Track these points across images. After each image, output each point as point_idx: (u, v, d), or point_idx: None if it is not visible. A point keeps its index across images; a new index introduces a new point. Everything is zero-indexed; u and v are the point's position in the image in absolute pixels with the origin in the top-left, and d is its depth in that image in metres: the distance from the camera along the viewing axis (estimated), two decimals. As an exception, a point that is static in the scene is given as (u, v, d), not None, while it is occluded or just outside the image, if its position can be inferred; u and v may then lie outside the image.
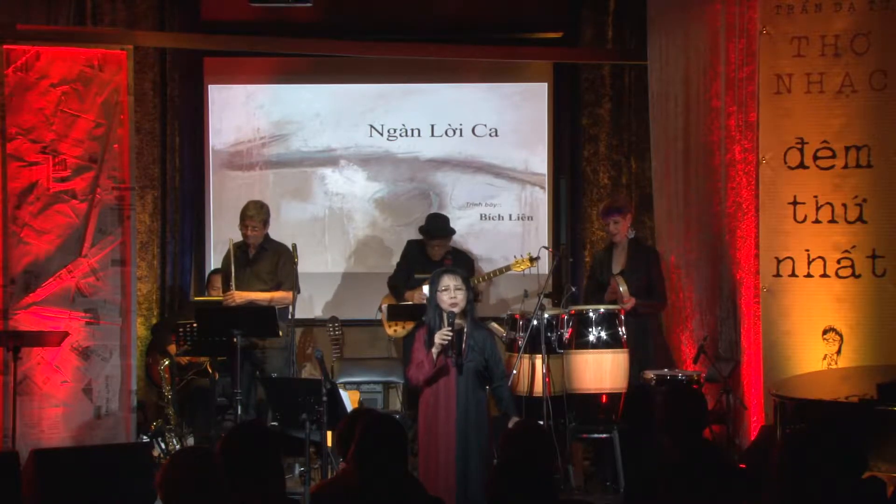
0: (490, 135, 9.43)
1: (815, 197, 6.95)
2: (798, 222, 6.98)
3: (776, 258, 7.03)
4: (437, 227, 8.25)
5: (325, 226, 9.46)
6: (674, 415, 4.50)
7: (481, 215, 9.42)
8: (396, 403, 8.76)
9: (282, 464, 4.23)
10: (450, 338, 5.70)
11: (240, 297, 7.62)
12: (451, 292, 5.75)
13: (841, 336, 6.85)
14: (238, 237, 7.88)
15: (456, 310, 5.74)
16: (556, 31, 9.38)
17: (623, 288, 7.32)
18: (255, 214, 7.74)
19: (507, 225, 9.42)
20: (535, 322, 7.19)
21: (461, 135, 9.44)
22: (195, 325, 7.60)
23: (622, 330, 7.14)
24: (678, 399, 4.64)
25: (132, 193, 7.60)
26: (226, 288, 7.78)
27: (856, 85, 6.86)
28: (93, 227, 7.45)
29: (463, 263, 7.94)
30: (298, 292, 7.83)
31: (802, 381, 6.57)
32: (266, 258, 7.83)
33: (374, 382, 8.58)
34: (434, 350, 5.71)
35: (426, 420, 5.82)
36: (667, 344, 7.71)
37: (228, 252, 7.82)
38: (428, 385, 5.80)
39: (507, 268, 8.30)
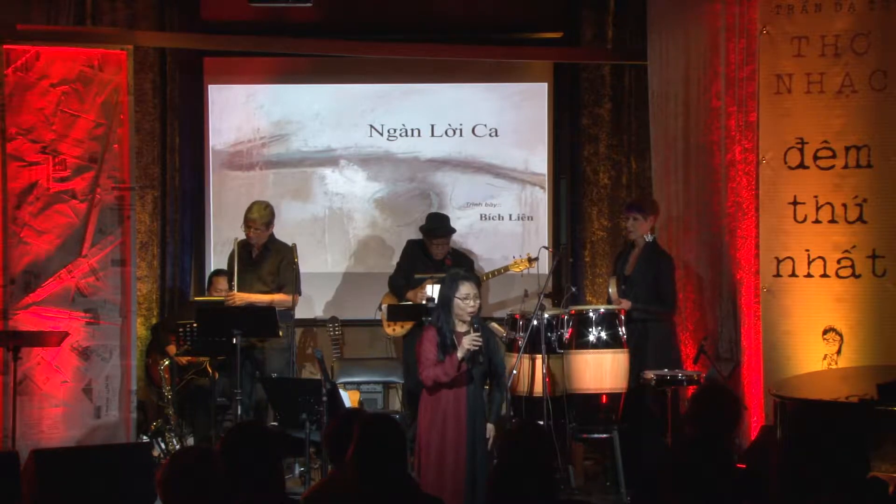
0: (490, 135, 9.43)
1: (815, 197, 6.95)
2: (798, 222, 6.98)
3: (776, 258, 7.03)
4: (439, 226, 8.25)
5: (325, 226, 9.46)
6: (710, 412, 4.49)
7: (481, 215, 9.42)
8: (396, 403, 8.76)
9: (282, 464, 4.23)
10: (480, 344, 5.70)
11: (240, 298, 7.62)
12: (471, 300, 5.76)
13: (841, 336, 6.85)
14: (242, 235, 7.89)
15: (475, 316, 5.76)
16: (556, 31, 9.38)
17: (612, 290, 7.31)
18: (258, 217, 7.74)
19: (507, 225, 9.42)
20: (535, 322, 7.18)
21: (461, 135, 9.44)
22: (195, 325, 7.61)
23: (622, 330, 7.14)
24: (718, 398, 4.63)
25: (132, 193, 7.60)
26: (231, 287, 7.80)
27: (856, 85, 6.86)
28: (93, 227, 7.45)
29: (463, 264, 7.94)
30: (300, 294, 7.83)
31: (802, 381, 6.57)
32: (269, 259, 7.83)
33: (374, 382, 8.58)
34: (460, 354, 5.69)
35: (433, 424, 5.78)
36: (673, 352, 7.46)
37: (233, 251, 7.83)
38: (443, 387, 5.77)
39: (506, 268, 8.31)
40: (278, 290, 7.77)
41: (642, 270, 7.42)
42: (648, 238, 7.50)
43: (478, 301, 5.80)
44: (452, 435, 5.74)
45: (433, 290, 7.60)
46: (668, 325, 7.49)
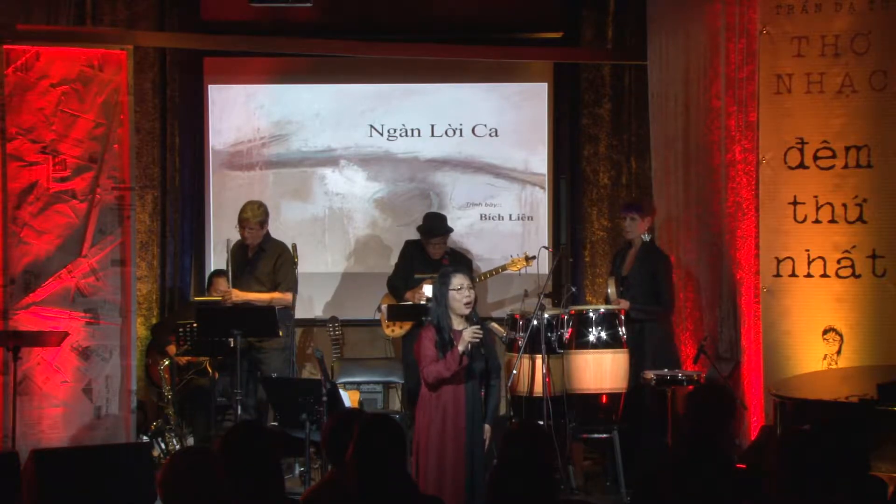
0: (490, 135, 9.43)
1: (815, 197, 6.95)
2: (798, 222, 6.98)
3: (776, 258, 7.03)
4: (436, 225, 8.25)
5: (325, 226, 9.45)
6: (704, 411, 4.50)
7: (481, 215, 9.42)
8: (396, 403, 8.76)
9: (281, 464, 4.22)
10: (481, 336, 5.71)
11: (238, 296, 7.60)
12: (465, 291, 5.76)
13: (841, 336, 6.85)
14: (236, 237, 7.89)
15: (472, 307, 5.78)
16: (556, 31, 9.38)
17: (611, 290, 7.31)
18: (252, 216, 7.73)
19: (507, 225, 9.42)
20: (535, 322, 7.19)
21: (461, 135, 9.44)
22: (195, 325, 7.60)
23: (622, 330, 7.14)
24: (712, 396, 4.63)
25: (132, 193, 7.60)
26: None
27: (856, 85, 6.86)
28: (93, 227, 7.45)
29: (461, 264, 7.94)
30: (296, 293, 7.82)
31: (802, 381, 6.57)
32: (264, 258, 7.82)
33: (374, 382, 8.58)
34: (461, 347, 5.69)
35: (432, 423, 5.78)
36: (671, 351, 7.53)
37: (229, 254, 7.84)
38: (443, 384, 5.78)
39: (503, 268, 8.30)
40: (274, 289, 7.76)
41: (639, 270, 7.44)
42: (645, 238, 7.53)
43: (472, 292, 5.80)
44: (451, 434, 5.75)
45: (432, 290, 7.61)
46: (666, 325, 7.51)
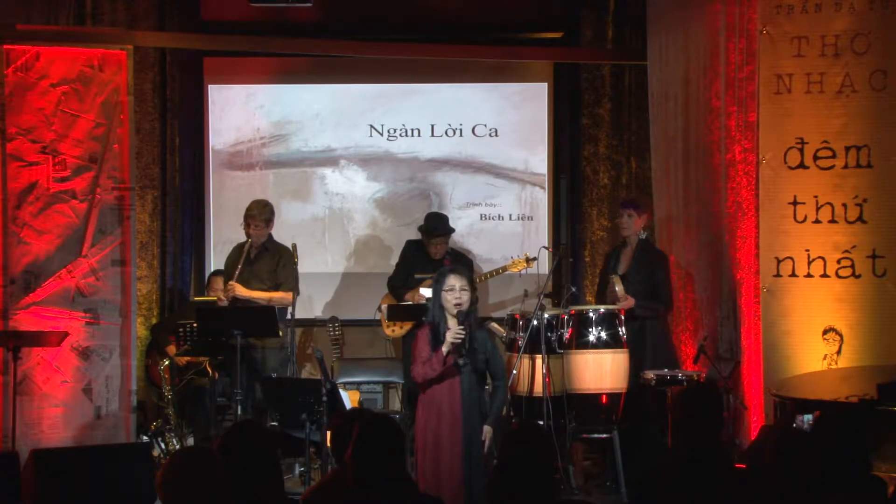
0: (490, 135, 9.43)
1: (816, 197, 6.95)
2: (798, 222, 6.98)
3: (776, 258, 7.03)
4: (438, 225, 8.25)
5: (325, 226, 9.46)
6: (693, 414, 4.49)
7: (481, 215, 9.42)
8: (396, 403, 8.76)
9: (279, 464, 4.22)
10: (463, 336, 5.71)
11: (240, 290, 7.59)
12: (456, 292, 5.77)
13: (841, 336, 6.85)
14: (239, 238, 7.89)
15: (463, 308, 5.77)
16: (556, 31, 9.38)
17: (619, 288, 7.30)
18: (258, 213, 7.74)
19: (507, 225, 9.42)
20: (535, 322, 7.19)
21: (461, 135, 9.44)
22: (195, 325, 7.60)
23: (622, 330, 7.14)
24: (699, 398, 4.63)
25: (132, 193, 7.61)
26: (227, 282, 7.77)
27: (856, 85, 6.86)
28: (93, 227, 7.45)
29: (461, 263, 7.93)
30: (298, 294, 7.83)
31: (802, 381, 6.58)
32: (266, 258, 7.81)
33: (374, 382, 8.58)
34: (445, 348, 5.70)
35: (429, 421, 5.79)
36: (669, 349, 7.56)
37: (233, 252, 7.83)
38: (435, 383, 5.79)
39: (504, 268, 8.30)
40: (275, 288, 7.76)
41: (637, 269, 7.44)
42: (642, 236, 7.54)
43: (465, 292, 5.78)
44: (447, 434, 5.75)
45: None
46: (663, 323, 7.52)
